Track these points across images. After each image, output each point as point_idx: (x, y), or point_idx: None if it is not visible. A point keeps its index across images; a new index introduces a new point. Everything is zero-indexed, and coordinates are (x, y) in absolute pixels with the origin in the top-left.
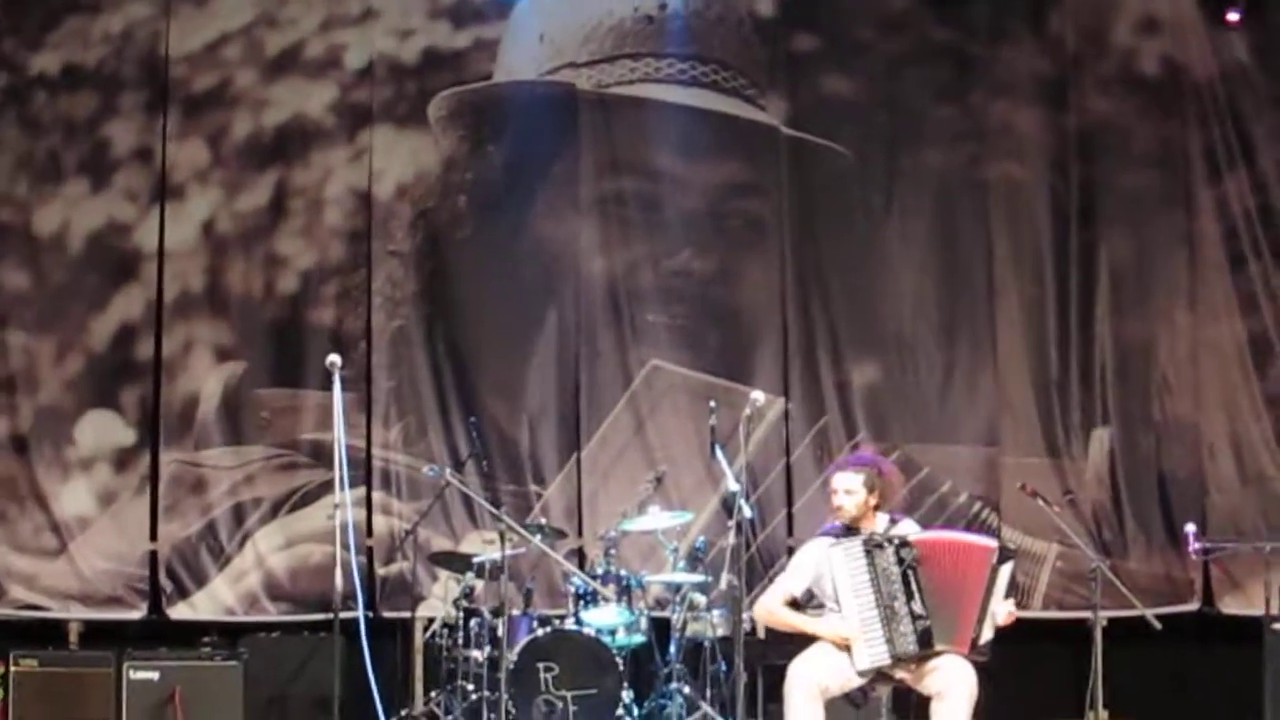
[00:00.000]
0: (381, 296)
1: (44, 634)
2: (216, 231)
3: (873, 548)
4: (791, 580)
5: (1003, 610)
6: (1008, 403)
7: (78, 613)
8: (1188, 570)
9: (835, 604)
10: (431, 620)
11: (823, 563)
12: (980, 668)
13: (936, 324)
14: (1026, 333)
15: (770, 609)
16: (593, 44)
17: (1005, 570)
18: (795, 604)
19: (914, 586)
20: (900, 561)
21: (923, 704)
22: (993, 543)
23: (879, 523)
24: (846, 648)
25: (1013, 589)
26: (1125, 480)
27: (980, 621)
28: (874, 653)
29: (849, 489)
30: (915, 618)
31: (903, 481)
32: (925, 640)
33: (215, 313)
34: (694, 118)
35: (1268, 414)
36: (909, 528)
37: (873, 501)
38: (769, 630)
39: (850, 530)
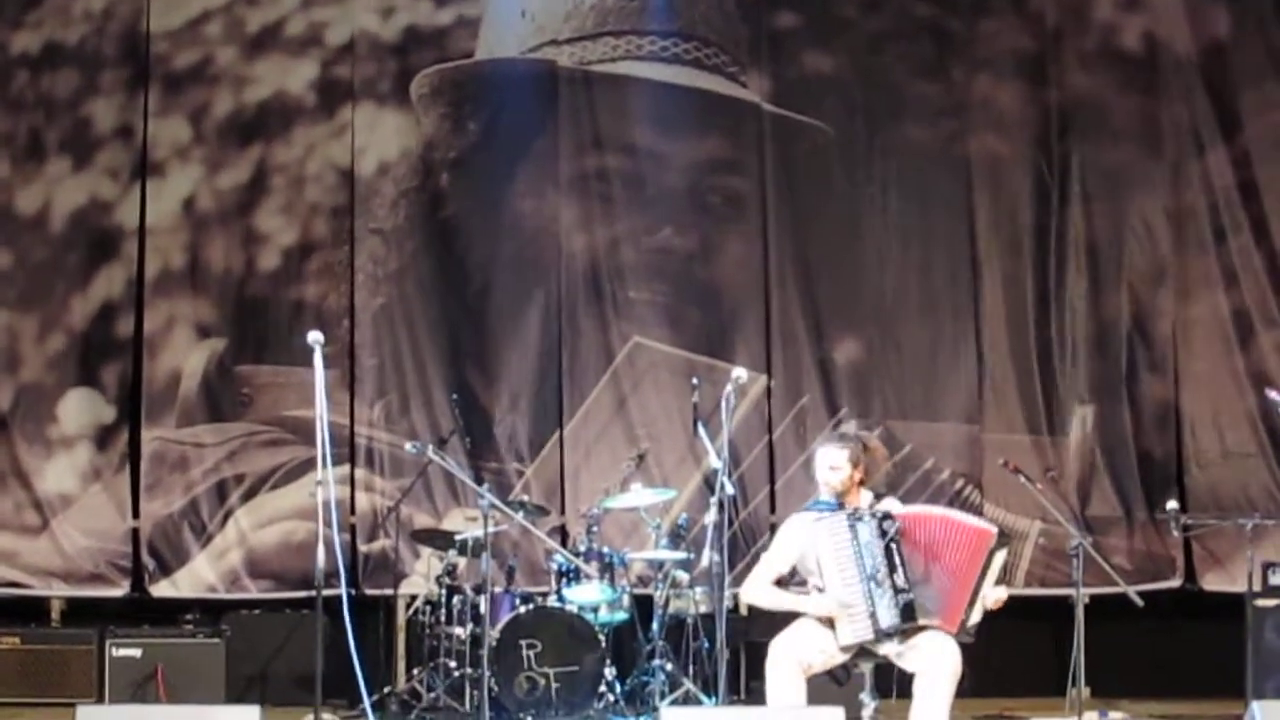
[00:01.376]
0: (364, 274)
1: (26, 611)
2: (198, 208)
3: (856, 521)
4: (776, 558)
5: (993, 595)
6: (990, 380)
7: (60, 590)
8: (1169, 547)
9: (820, 580)
10: (414, 598)
11: (806, 539)
12: (963, 645)
13: (918, 301)
14: (1008, 310)
15: (757, 589)
16: (575, 21)
17: (1000, 556)
18: (781, 581)
19: (897, 559)
20: (883, 534)
21: (905, 681)
22: (992, 527)
23: (863, 499)
24: (832, 624)
25: (1002, 572)
26: (1106, 457)
27: (971, 604)
28: (857, 628)
29: (834, 464)
30: (898, 590)
31: (887, 456)
32: (908, 613)
33: (197, 290)
34: (676, 95)
35: (1251, 390)
36: (892, 505)
37: (857, 476)
38: (751, 607)
39: (834, 506)
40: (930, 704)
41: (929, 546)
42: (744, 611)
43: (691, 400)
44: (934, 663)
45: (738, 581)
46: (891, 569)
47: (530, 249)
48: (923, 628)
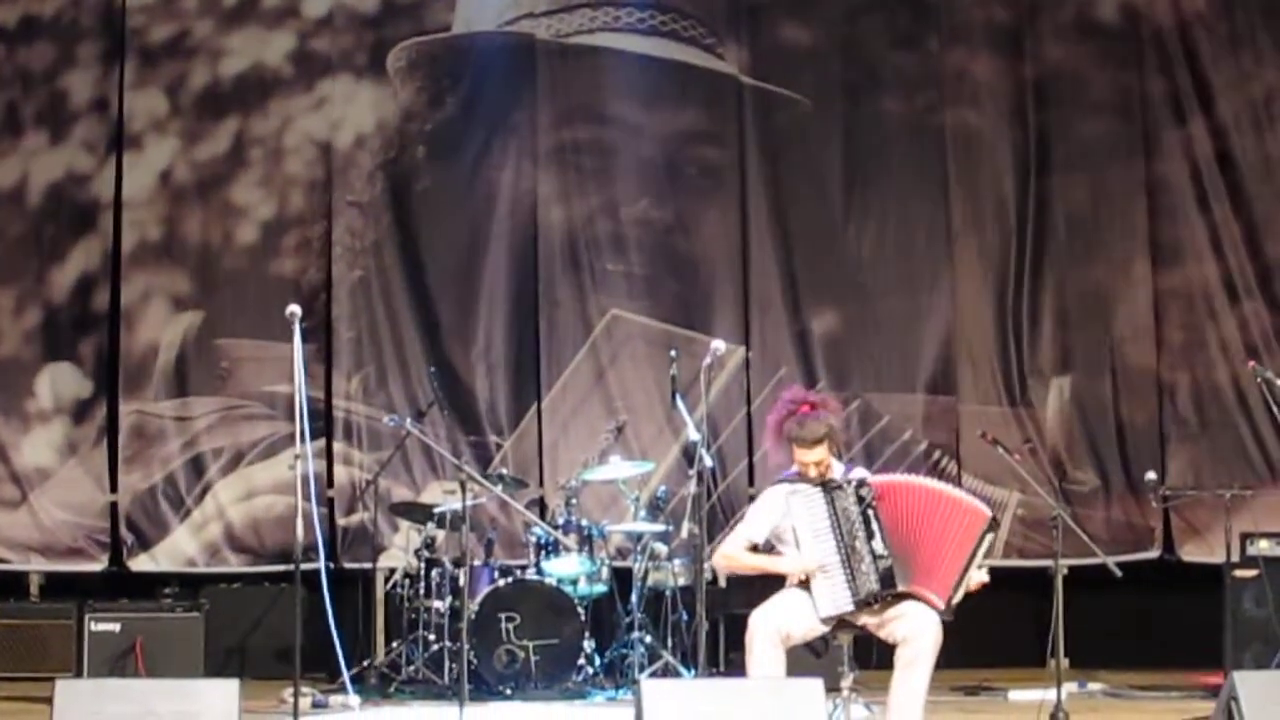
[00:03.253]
0: (341, 247)
1: (4, 586)
2: (175, 181)
3: (833, 490)
4: (751, 528)
5: (975, 578)
6: (967, 351)
7: (38, 564)
8: (1148, 518)
9: (797, 551)
10: (393, 571)
11: (781, 510)
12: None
13: (896, 272)
14: (985, 281)
15: (731, 555)
16: None
17: (989, 539)
18: (755, 551)
19: (875, 526)
20: (860, 500)
21: (884, 653)
22: (986, 509)
23: (836, 470)
24: (807, 585)
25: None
26: (1085, 428)
27: (959, 584)
28: (837, 598)
29: (818, 460)
30: (876, 557)
31: (840, 408)
32: (888, 579)
33: (174, 263)
34: (652, 67)
35: (1231, 360)
36: (862, 474)
37: (834, 452)
38: (730, 579)
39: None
40: (911, 675)
41: (916, 517)
42: (723, 583)
43: (670, 372)
44: (914, 634)
45: (715, 553)
46: (869, 535)
47: (507, 221)
48: (903, 597)
